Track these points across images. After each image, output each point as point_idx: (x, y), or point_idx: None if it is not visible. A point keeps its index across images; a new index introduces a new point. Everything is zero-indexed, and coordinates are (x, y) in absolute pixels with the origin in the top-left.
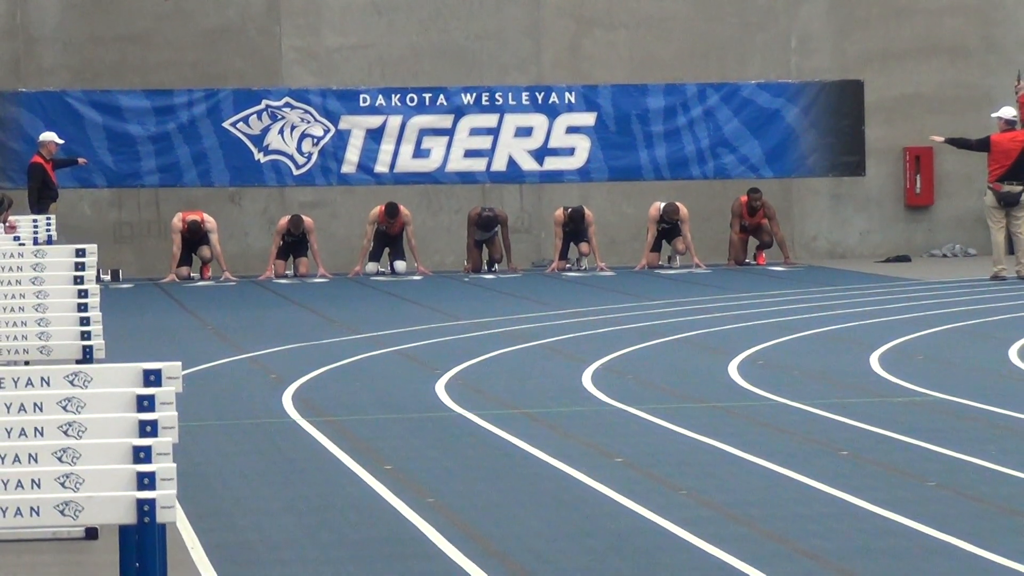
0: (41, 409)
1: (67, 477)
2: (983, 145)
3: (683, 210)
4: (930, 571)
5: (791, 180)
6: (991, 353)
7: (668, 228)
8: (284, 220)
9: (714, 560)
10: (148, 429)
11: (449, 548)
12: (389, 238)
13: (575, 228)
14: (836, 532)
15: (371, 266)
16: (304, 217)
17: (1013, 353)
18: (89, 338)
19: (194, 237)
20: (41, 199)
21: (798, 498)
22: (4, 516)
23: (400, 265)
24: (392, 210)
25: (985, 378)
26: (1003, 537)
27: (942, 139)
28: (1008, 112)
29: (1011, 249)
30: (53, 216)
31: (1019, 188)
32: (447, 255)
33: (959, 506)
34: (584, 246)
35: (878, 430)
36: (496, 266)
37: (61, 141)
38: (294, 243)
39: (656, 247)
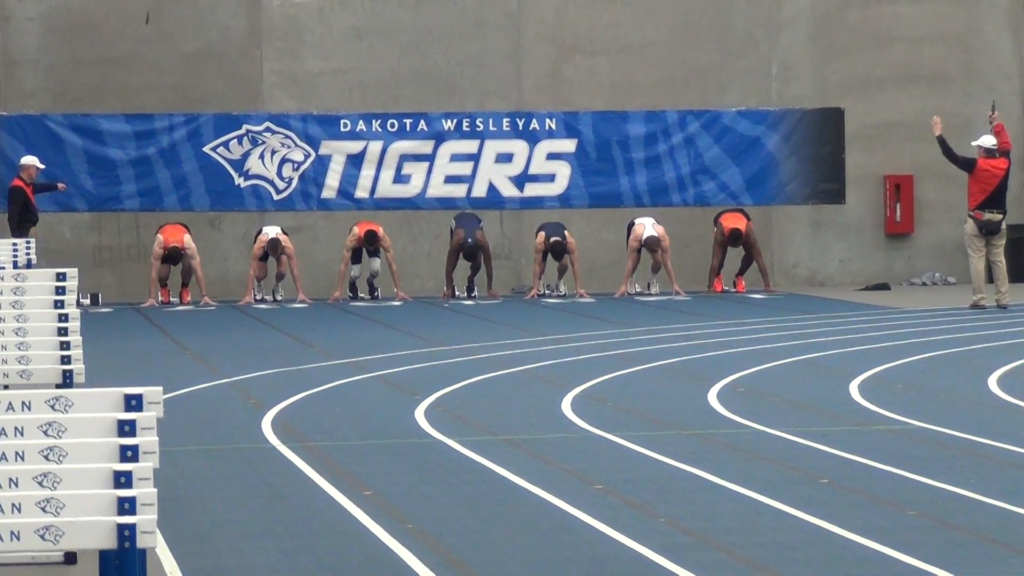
0: (22, 434)
1: (48, 502)
2: (968, 165)
3: (665, 240)
4: None
5: (771, 208)
6: (971, 382)
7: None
8: (260, 244)
9: None
10: (129, 454)
11: (428, 574)
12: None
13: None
14: (815, 560)
15: (355, 268)
16: (282, 239)
17: (993, 382)
18: (69, 362)
19: (174, 263)
20: (22, 223)
21: (777, 526)
22: None
23: (376, 263)
24: (371, 238)
25: (965, 407)
26: (983, 566)
27: (939, 130)
28: (988, 141)
29: (991, 278)
30: (33, 240)
31: (1000, 216)
32: (427, 280)
33: (939, 535)
34: (561, 263)
35: (858, 458)
36: (475, 291)
37: (42, 166)
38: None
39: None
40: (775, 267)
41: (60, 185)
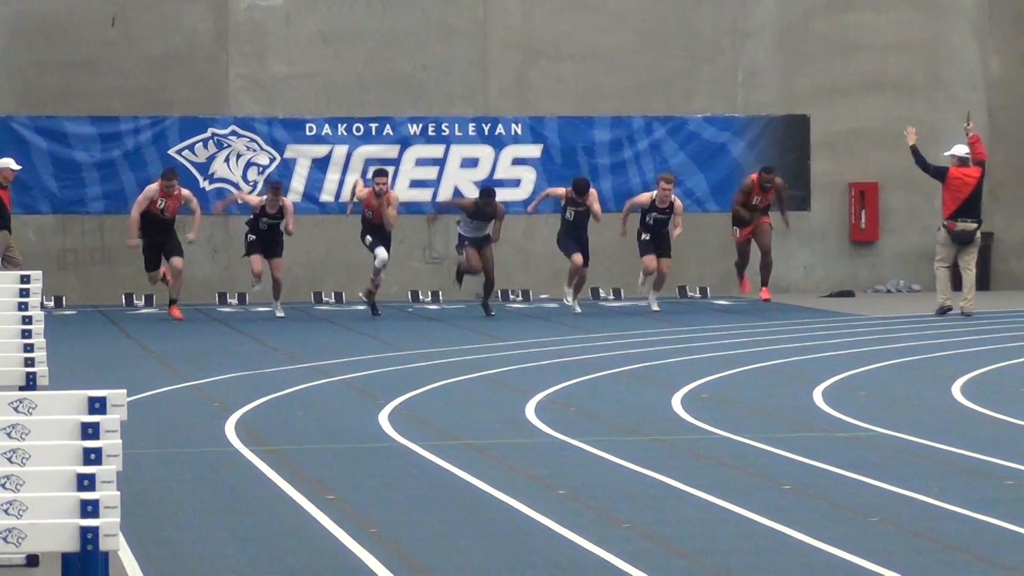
0: None
1: (10, 504)
2: (940, 174)
3: (678, 203)
4: None
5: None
6: (934, 389)
7: (661, 220)
8: (258, 199)
9: None
10: (92, 457)
11: None
12: (373, 228)
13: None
14: (778, 566)
15: (380, 252)
16: (283, 198)
17: (956, 389)
18: (33, 365)
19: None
20: None
21: (740, 532)
22: None
23: (381, 251)
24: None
25: (928, 414)
26: (945, 573)
27: (913, 139)
28: (961, 150)
29: (957, 285)
30: None
31: (973, 226)
32: (391, 285)
33: (901, 542)
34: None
35: (821, 465)
36: (488, 303)
37: (17, 167)
38: (269, 231)
39: (649, 249)
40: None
41: None
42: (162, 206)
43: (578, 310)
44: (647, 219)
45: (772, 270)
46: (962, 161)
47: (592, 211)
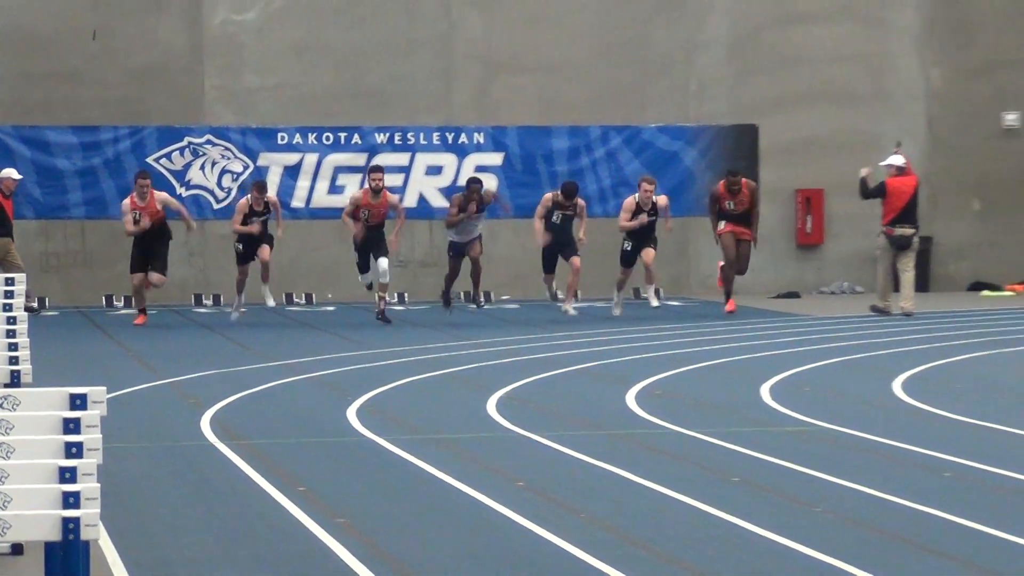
0: None
1: None
2: (879, 191)
3: (662, 200)
4: None
5: (688, 219)
6: (876, 385)
7: (651, 221)
8: (244, 201)
9: None
10: (74, 451)
11: (359, 567)
12: (371, 231)
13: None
14: (727, 555)
15: (364, 277)
16: (268, 195)
17: (897, 386)
18: (17, 363)
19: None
20: None
21: (692, 522)
22: None
23: (383, 263)
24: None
25: (870, 409)
26: (888, 562)
27: (865, 174)
28: (898, 160)
29: (898, 287)
30: None
31: (911, 232)
32: (359, 288)
33: (845, 531)
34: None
35: (768, 458)
36: (480, 302)
37: (18, 177)
38: (259, 225)
39: (628, 260)
40: (691, 276)
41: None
42: (138, 217)
43: (571, 310)
44: (636, 218)
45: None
46: (899, 171)
47: (579, 216)
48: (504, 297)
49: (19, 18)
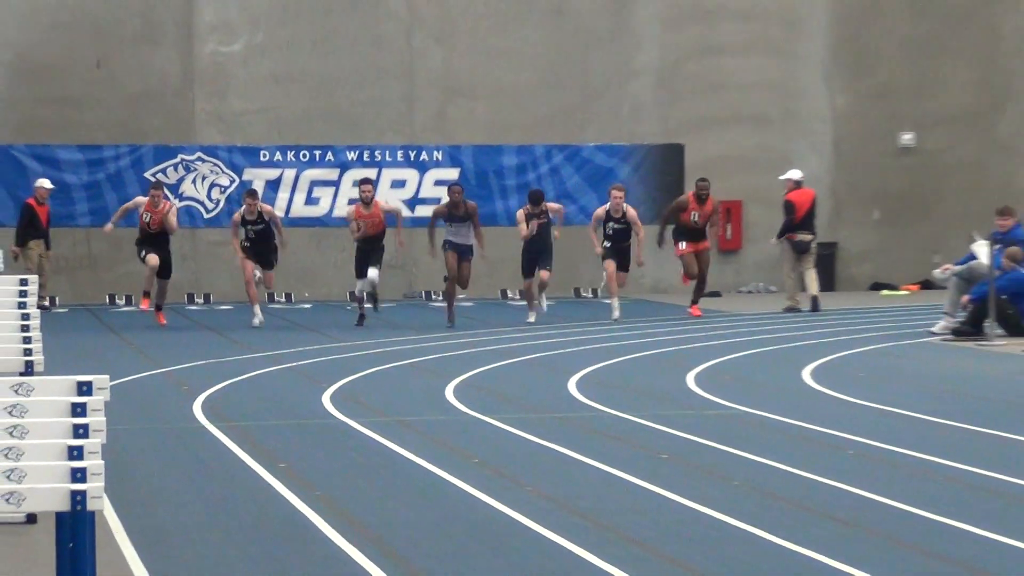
0: None
1: (12, 471)
2: (789, 209)
3: (631, 211)
4: (732, 555)
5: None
6: (787, 373)
7: (620, 229)
8: (238, 213)
9: (555, 545)
10: (81, 431)
11: (333, 534)
12: (369, 241)
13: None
14: (657, 523)
15: (358, 284)
16: (261, 204)
17: (806, 374)
18: (31, 354)
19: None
20: (25, 235)
21: (626, 494)
22: None
23: (373, 272)
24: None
25: (782, 394)
26: (795, 527)
27: (775, 241)
28: (796, 174)
29: (803, 286)
30: (0, 251)
31: (809, 237)
32: (333, 287)
33: (758, 501)
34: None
35: (693, 437)
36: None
37: (51, 186)
38: (257, 239)
39: (611, 254)
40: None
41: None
42: (148, 219)
43: (544, 306)
44: (607, 229)
45: (703, 290)
46: (797, 184)
47: (552, 216)
48: (460, 296)
49: (31, 50)
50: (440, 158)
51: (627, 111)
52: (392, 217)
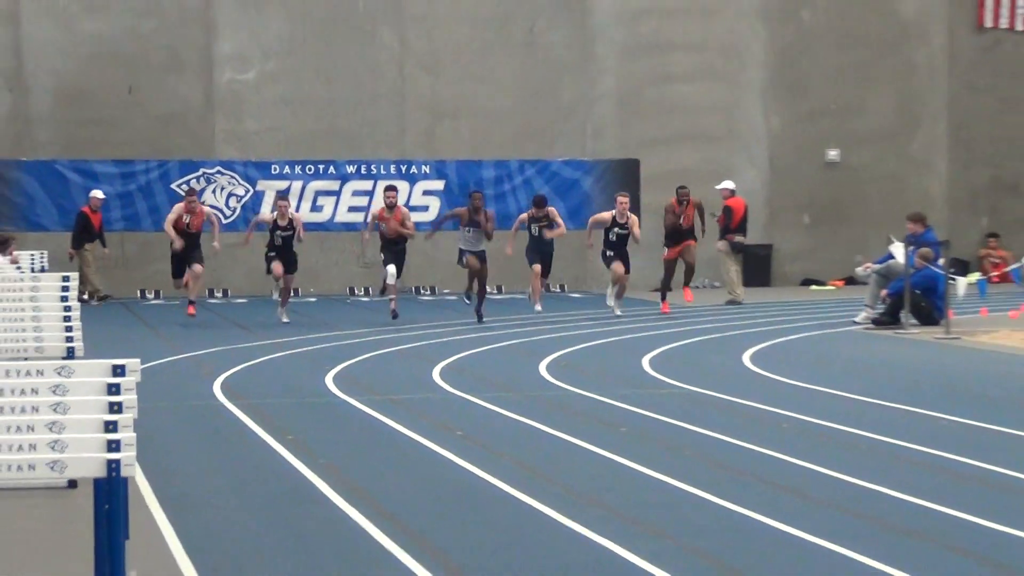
0: (37, 392)
1: (56, 443)
2: (728, 215)
3: (633, 216)
4: (682, 515)
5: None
6: (730, 358)
7: (622, 234)
8: (271, 216)
9: (524, 505)
10: (115, 408)
11: (335, 496)
12: (393, 242)
13: (475, 220)
14: (615, 487)
15: (391, 268)
16: (291, 210)
17: (746, 358)
18: (72, 341)
19: (188, 240)
20: (80, 239)
21: (588, 461)
22: (9, 471)
23: (391, 268)
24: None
25: (725, 376)
26: (737, 491)
27: (724, 246)
28: (731, 184)
29: (752, 282)
30: (45, 252)
31: (742, 238)
32: (334, 284)
33: (703, 467)
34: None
35: (648, 413)
36: (481, 310)
37: (102, 196)
38: (283, 245)
39: (609, 263)
40: (588, 273)
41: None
42: (187, 221)
43: (539, 308)
44: (610, 235)
45: (692, 276)
46: (732, 192)
47: (554, 224)
48: (445, 291)
49: (72, 78)
50: (428, 171)
51: (590, 130)
52: (405, 221)
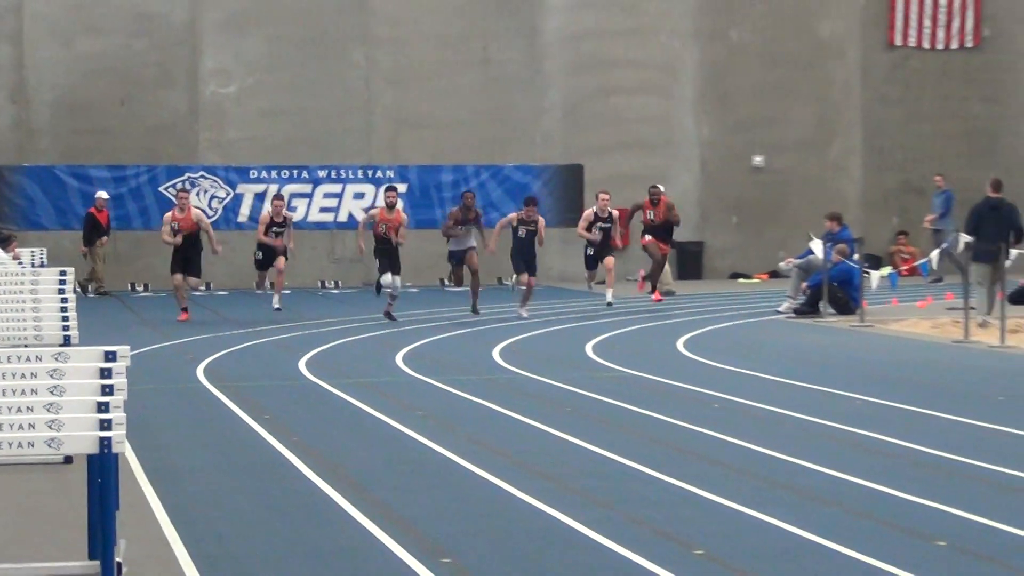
0: (35, 376)
1: (53, 422)
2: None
3: (614, 211)
4: (620, 486)
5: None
6: (665, 344)
7: (605, 228)
8: (267, 214)
9: (478, 477)
10: (107, 390)
11: (306, 470)
12: (387, 249)
13: (467, 218)
14: (563, 462)
15: (386, 278)
16: (285, 211)
17: (680, 344)
18: (68, 329)
19: (187, 242)
20: (90, 237)
21: (536, 438)
22: (10, 448)
23: (394, 280)
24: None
25: (661, 360)
26: (672, 465)
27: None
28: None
29: (690, 274)
30: (45, 249)
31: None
32: (307, 278)
33: (641, 443)
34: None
35: (590, 394)
36: (476, 304)
37: (106, 196)
38: (276, 241)
39: (591, 264)
40: (540, 267)
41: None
42: (176, 227)
43: (525, 315)
44: (593, 230)
45: (658, 277)
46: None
47: (538, 228)
48: (408, 284)
49: (71, 91)
50: (392, 175)
51: (539, 139)
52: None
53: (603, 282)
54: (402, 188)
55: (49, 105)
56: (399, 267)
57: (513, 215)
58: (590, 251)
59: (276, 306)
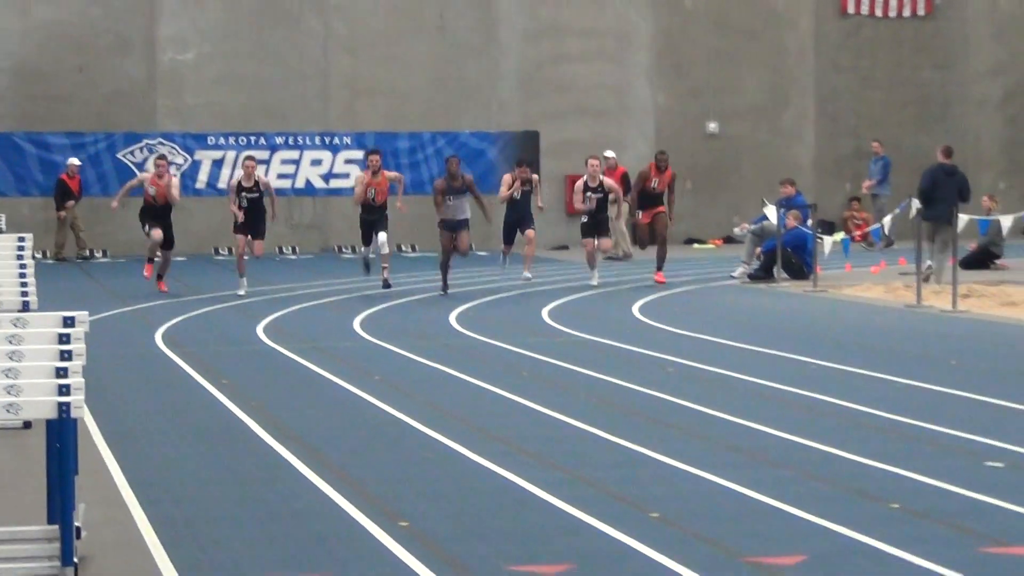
0: None
1: (11, 387)
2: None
3: (607, 180)
4: (573, 448)
5: (492, 195)
6: (620, 309)
7: (599, 199)
8: (235, 179)
9: (434, 441)
10: (66, 356)
11: (264, 435)
12: (372, 219)
13: (453, 187)
14: (516, 425)
15: (365, 250)
16: (258, 174)
17: (635, 309)
18: (27, 295)
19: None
20: (60, 202)
21: (494, 403)
22: None
23: (383, 236)
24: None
25: (617, 326)
26: (625, 427)
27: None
28: (611, 153)
29: (634, 239)
30: (3, 216)
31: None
32: (265, 244)
33: (596, 407)
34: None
35: (548, 359)
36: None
37: (79, 163)
38: (251, 207)
39: (588, 233)
40: (494, 234)
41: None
42: (154, 193)
43: (529, 275)
44: (585, 200)
45: (664, 255)
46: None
47: (535, 187)
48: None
49: (28, 58)
50: (349, 142)
51: (495, 106)
52: (394, 185)
53: (609, 254)
54: (358, 155)
55: (6, 72)
56: (385, 225)
57: (509, 178)
58: (585, 219)
59: (240, 292)
